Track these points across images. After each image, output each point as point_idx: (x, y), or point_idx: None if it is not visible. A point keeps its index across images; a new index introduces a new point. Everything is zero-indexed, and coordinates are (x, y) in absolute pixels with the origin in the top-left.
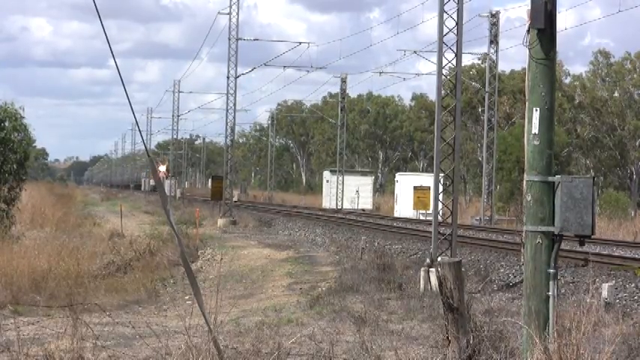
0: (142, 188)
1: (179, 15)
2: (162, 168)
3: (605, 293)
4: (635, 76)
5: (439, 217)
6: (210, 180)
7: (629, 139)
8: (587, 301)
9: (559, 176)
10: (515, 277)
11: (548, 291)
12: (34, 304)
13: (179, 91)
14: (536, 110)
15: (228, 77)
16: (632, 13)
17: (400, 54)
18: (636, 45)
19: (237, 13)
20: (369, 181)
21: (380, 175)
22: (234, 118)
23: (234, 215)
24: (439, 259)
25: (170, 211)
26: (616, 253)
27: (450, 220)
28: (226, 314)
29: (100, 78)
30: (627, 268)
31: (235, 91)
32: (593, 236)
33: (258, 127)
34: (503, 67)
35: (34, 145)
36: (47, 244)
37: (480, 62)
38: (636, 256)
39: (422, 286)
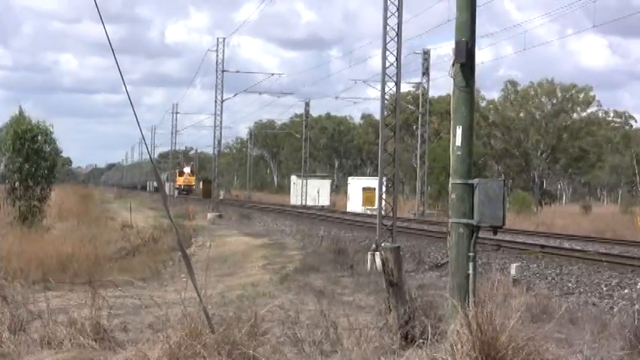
0: (147, 189)
1: (179, 51)
2: (187, 169)
3: (513, 272)
4: (536, 100)
5: (383, 212)
6: (201, 182)
7: (531, 150)
8: (499, 278)
9: (477, 179)
10: (442, 259)
11: (469, 270)
12: (60, 281)
13: (177, 112)
14: (459, 127)
15: (215, 101)
16: (536, 50)
17: (352, 83)
18: (538, 75)
19: (223, 51)
20: (327, 183)
21: (336, 178)
22: (220, 133)
23: (220, 210)
24: (382, 244)
25: (169, 207)
26: (521, 240)
27: (391, 214)
28: (214, 289)
29: (115, 102)
30: (530, 252)
31: (222, 112)
32: (504, 227)
33: (239, 141)
34: (433, 93)
35: (61, 154)
36: (71, 233)
37: (414, 89)
38: (537, 242)
39: (369, 266)
